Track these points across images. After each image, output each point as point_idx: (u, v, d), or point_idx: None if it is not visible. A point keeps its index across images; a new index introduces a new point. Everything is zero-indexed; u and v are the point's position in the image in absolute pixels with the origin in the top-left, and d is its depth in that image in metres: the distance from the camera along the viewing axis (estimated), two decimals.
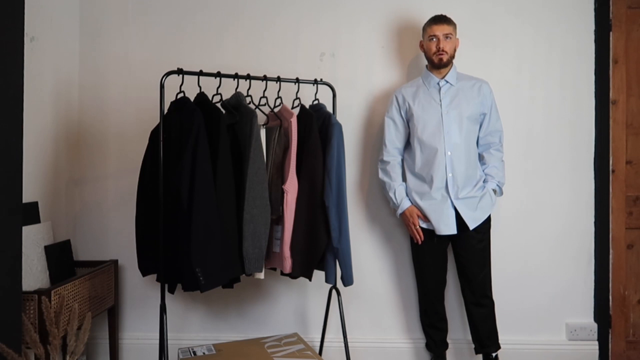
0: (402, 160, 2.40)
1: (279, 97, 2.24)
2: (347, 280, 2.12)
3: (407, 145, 2.40)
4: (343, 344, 2.26)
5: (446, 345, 2.45)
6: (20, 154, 1.54)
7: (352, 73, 2.62)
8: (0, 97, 1.45)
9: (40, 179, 2.33)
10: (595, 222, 2.60)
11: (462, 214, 2.22)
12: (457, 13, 2.60)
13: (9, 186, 1.49)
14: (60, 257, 2.24)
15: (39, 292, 1.85)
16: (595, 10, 2.60)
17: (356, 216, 2.60)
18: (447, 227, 2.24)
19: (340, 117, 2.33)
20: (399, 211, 2.34)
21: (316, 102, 2.30)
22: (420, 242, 2.31)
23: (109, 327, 2.48)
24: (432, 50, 2.28)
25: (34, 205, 2.17)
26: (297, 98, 2.28)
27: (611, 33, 2.58)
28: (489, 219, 2.31)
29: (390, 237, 2.63)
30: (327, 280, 2.15)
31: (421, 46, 2.37)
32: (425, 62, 2.39)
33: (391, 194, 2.35)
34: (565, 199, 2.60)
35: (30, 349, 1.75)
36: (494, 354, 2.35)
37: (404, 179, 2.39)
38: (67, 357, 1.60)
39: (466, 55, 2.58)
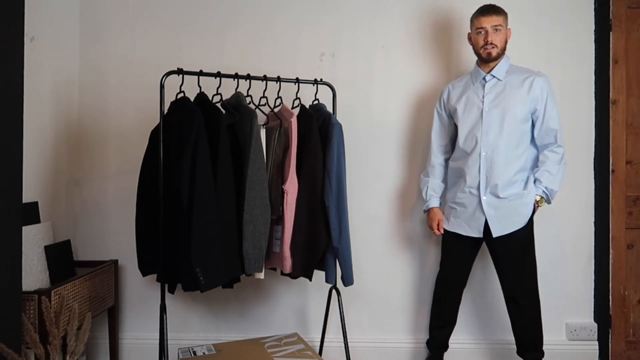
0: (444, 162, 2.38)
1: (279, 97, 2.24)
2: (347, 280, 2.12)
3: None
4: (343, 344, 2.26)
5: (446, 347, 2.43)
6: (20, 154, 1.54)
7: (352, 73, 2.62)
8: (0, 97, 1.45)
9: (40, 179, 2.33)
10: (595, 222, 2.60)
11: (489, 220, 2.14)
12: (456, 12, 2.61)
13: (9, 186, 1.49)
14: (60, 257, 2.24)
15: (39, 292, 1.85)
16: (595, 10, 2.60)
17: (356, 216, 2.60)
18: (471, 229, 2.19)
19: (340, 117, 2.33)
20: (424, 208, 2.37)
21: (316, 102, 2.30)
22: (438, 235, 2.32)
23: (109, 327, 2.48)
24: (479, 43, 2.16)
25: (34, 205, 2.17)
26: (297, 98, 2.28)
27: (611, 33, 2.58)
28: (530, 220, 2.16)
29: (391, 236, 2.63)
30: (327, 280, 2.15)
31: (469, 39, 2.26)
32: (474, 58, 2.30)
33: (423, 191, 2.37)
34: (565, 199, 2.59)
35: (30, 349, 1.75)
36: None
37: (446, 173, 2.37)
38: (67, 357, 1.60)
39: (466, 54, 2.58)
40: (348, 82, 2.60)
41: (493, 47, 2.14)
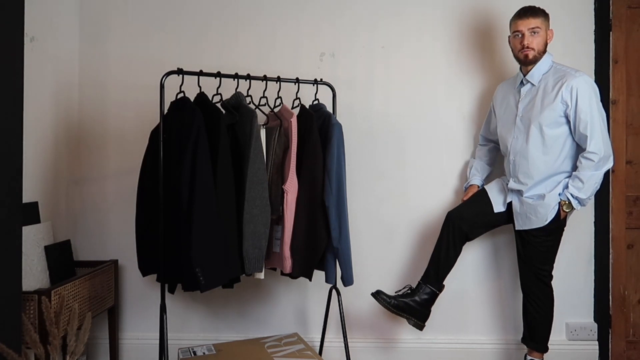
0: (493, 148, 2.48)
1: (279, 97, 2.24)
2: (347, 280, 2.12)
3: None
4: (343, 344, 2.26)
5: (441, 286, 2.24)
6: (20, 154, 1.54)
7: (352, 73, 2.62)
8: (0, 97, 1.45)
9: (40, 179, 2.33)
10: (595, 222, 2.60)
11: (514, 213, 2.21)
12: (455, 11, 2.61)
13: (9, 186, 1.49)
14: (60, 257, 2.24)
15: (39, 292, 1.85)
16: (595, 10, 2.60)
17: (356, 216, 2.59)
18: (497, 202, 2.26)
19: (340, 117, 2.33)
20: (465, 185, 2.48)
21: (316, 102, 2.30)
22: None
23: (109, 327, 2.48)
24: (517, 47, 2.15)
25: (34, 205, 2.17)
26: (297, 98, 2.28)
27: (611, 33, 2.58)
28: (554, 222, 2.14)
29: (391, 236, 2.63)
30: (327, 280, 2.15)
31: (509, 42, 2.25)
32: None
33: (468, 171, 2.50)
34: None
35: (30, 349, 1.74)
36: (528, 357, 2.31)
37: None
38: (67, 357, 1.60)
39: (466, 54, 2.58)
40: (348, 82, 2.60)
41: (529, 50, 2.11)
